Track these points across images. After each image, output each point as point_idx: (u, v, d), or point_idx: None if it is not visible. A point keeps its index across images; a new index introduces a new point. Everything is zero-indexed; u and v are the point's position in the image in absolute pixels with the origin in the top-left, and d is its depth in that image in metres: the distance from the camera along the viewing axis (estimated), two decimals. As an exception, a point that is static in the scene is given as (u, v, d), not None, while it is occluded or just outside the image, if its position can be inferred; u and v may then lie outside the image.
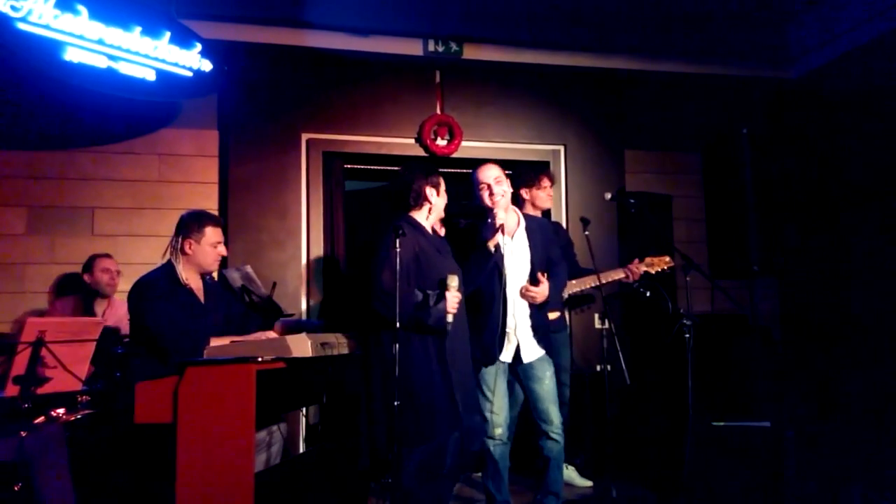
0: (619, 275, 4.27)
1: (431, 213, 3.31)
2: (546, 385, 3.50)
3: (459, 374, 3.11)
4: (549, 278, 3.50)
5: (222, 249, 3.34)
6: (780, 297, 6.02)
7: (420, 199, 3.27)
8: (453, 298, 3.04)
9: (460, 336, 3.18)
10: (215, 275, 4.82)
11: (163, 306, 3.07)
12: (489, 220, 3.41)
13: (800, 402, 4.74)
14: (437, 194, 3.30)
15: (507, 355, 3.49)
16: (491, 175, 3.50)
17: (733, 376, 4.36)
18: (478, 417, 3.28)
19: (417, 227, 3.23)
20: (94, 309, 4.36)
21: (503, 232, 3.39)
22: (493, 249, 3.36)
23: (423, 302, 3.02)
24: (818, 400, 5.18)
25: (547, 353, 3.58)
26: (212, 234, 3.26)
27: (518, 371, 3.55)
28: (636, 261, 4.30)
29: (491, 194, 3.47)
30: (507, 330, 3.46)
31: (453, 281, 3.06)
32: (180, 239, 3.23)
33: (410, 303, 2.99)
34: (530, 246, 3.56)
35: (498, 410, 3.45)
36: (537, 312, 3.56)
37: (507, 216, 3.51)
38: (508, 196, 3.53)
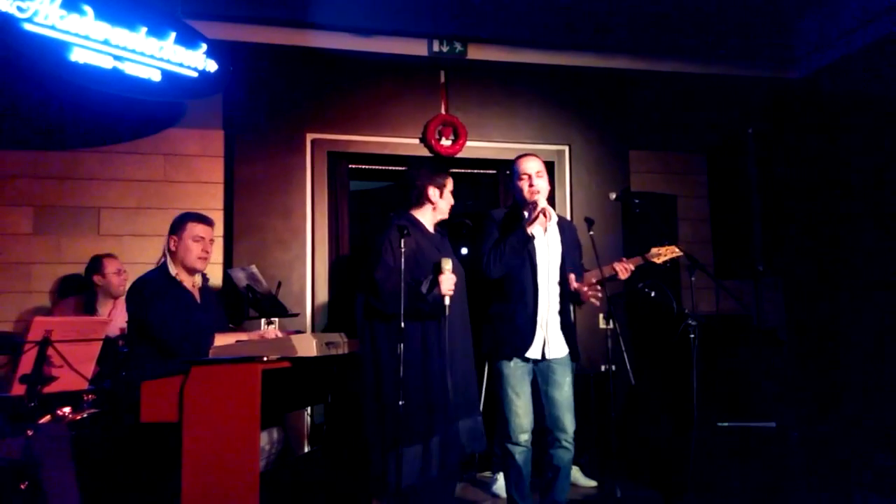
0: (611, 271, 4.14)
1: (434, 212, 3.31)
2: (565, 392, 3.42)
3: (457, 370, 3.09)
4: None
5: (206, 245, 3.35)
6: (785, 297, 6.00)
7: (422, 198, 3.28)
8: (448, 280, 3.03)
9: (458, 330, 3.16)
10: (219, 277, 4.87)
11: (164, 305, 3.09)
12: (529, 207, 3.38)
13: (805, 403, 4.73)
14: (441, 195, 3.29)
15: (534, 351, 3.39)
16: (532, 167, 3.48)
17: (738, 377, 4.35)
18: (478, 416, 3.26)
19: (417, 224, 3.23)
20: (99, 309, 4.36)
21: (546, 216, 3.36)
22: (532, 234, 3.33)
23: (417, 288, 3.01)
24: (823, 401, 5.17)
25: (572, 356, 3.51)
26: (192, 227, 3.31)
27: (538, 373, 3.46)
28: (623, 259, 4.17)
29: (531, 185, 3.45)
30: (538, 323, 3.40)
31: (447, 264, 3.05)
32: (168, 238, 3.31)
33: (405, 292, 2.97)
34: (562, 242, 3.52)
35: (523, 413, 3.35)
36: (566, 309, 3.51)
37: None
38: (546, 190, 3.50)
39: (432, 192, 3.27)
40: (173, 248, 3.28)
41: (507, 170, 5.32)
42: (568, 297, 3.52)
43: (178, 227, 3.31)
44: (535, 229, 3.35)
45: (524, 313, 3.38)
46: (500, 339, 3.39)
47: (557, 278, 3.48)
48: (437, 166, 3.42)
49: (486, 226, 3.50)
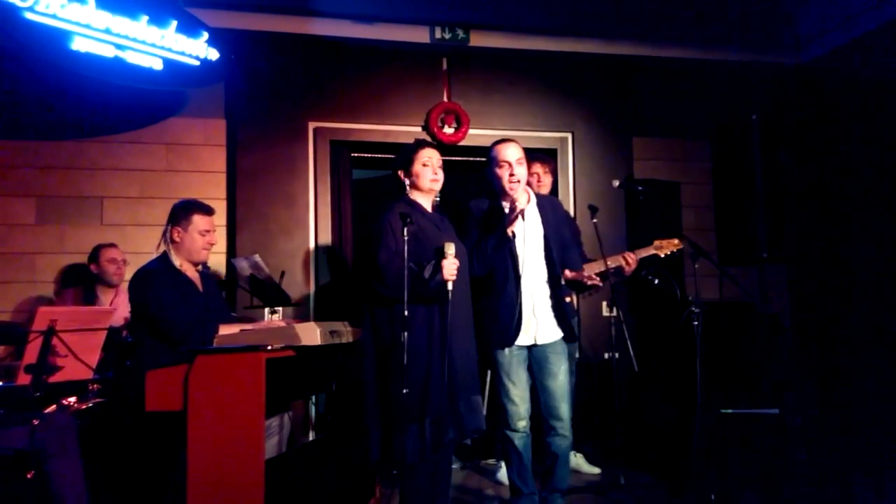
0: (616, 262, 4.08)
1: (421, 190, 3.25)
2: (560, 381, 3.41)
3: (458, 351, 3.08)
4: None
5: (212, 238, 3.34)
6: (789, 283, 5.99)
7: (400, 183, 3.26)
8: (451, 265, 3.01)
9: (461, 312, 3.14)
10: (222, 266, 4.88)
11: (166, 295, 3.09)
12: (508, 205, 3.33)
13: (808, 390, 4.73)
14: (412, 172, 3.23)
15: (525, 338, 3.39)
16: (513, 155, 3.38)
17: (742, 364, 4.36)
18: (477, 398, 3.24)
19: (415, 206, 3.21)
20: (101, 299, 4.37)
21: (523, 217, 3.33)
22: (511, 235, 3.30)
23: (420, 273, 3.00)
24: (827, 387, 5.17)
25: (567, 338, 3.49)
26: (199, 221, 3.28)
27: (533, 360, 3.45)
28: (628, 253, 4.19)
29: (511, 175, 3.36)
30: (525, 311, 3.37)
31: (450, 248, 3.03)
32: (169, 227, 3.27)
33: (409, 277, 2.96)
34: (543, 223, 3.47)
35: (520, 401, 3.36)
36: (556, 290, 3.46)
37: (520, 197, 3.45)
38: (525, 177, 3.44)
39: (402, 174, 3.26)
40: (177, 240, 3.25)
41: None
42: (556, 277, 3.47)
43: (181, 218, 3.27)
44: (516, 225, 3.30)
45: (506, 305, 3.36)
46: (488, 331, 3.38)
47: (542, 262, 3.44)
48: (410, 146, 3.32)
49: (467, 223, 3.45)
